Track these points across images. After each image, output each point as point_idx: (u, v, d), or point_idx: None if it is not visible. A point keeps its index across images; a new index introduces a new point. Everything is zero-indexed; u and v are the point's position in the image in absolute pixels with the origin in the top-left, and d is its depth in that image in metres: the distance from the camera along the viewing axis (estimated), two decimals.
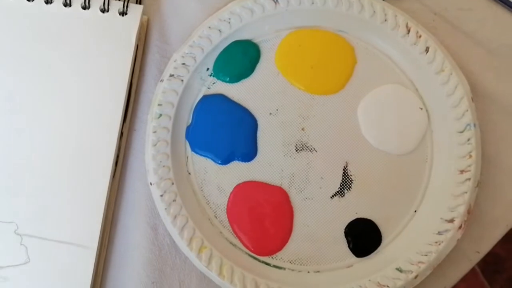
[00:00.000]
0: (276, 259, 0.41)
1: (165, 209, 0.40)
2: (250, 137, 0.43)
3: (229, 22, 0.43)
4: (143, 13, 0.43)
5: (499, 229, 0.42)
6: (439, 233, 0.40)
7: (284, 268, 0.41)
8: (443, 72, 0.42)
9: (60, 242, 0.39)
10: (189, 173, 0.42)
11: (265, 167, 0.42)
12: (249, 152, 0.42)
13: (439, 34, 0.45)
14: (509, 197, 0.43)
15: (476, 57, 0.45)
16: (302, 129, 0.43)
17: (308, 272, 0.41)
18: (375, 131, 0.43)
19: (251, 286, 0.39)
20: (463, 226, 0.40)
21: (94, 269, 0.39)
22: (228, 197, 0.42)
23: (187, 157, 0.42)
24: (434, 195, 0.42)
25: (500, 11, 0.46)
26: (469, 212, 0.40)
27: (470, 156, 0.41)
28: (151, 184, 0.40)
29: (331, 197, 0.42)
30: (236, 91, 0.43)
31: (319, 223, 0.42)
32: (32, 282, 0.38)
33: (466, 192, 0.40)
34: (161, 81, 0.42)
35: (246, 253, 0.41)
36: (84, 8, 0.42)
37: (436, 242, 0.40)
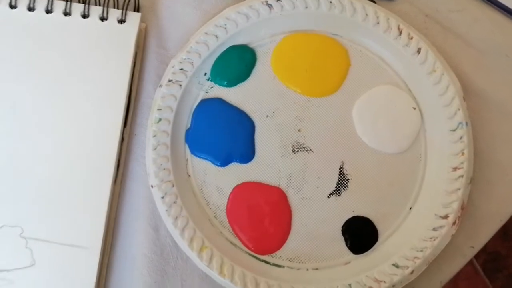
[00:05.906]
0: (275, 258, 0.42)
1: (166, 210, 0.41)
2: (248, 139, 0.44)
3: (225, 28, 0.44)
4: (141, 20, 0.44)
5: (493, 224, 0.43)
6: (434, 229, 0.41)
7: (283, 266, 0.42)
8: (434, 72, 0.43)
9: (64, 245, 0.40)
10: (189, 175, 0.43)
11: (263, 168, 0.43)
12: (247, 154, 0.43)
13: (431, 35, 0.46)
14: (502, 192, 0.44)
15: (468, 57, 0.46)
16: (299, 130, 0.44)
17: (307, 269, 0.42)
18: (370, 131, 0.44)
19: (251, 284, 0.40)
20: (457, 222, 0.41)
21: (97, 270, 0.40)
22: (227, 198, 0.43)
23: (187, 160, 0.43)
24: (428, 192, 0.43)
25: (490, 12, 0.47)
26: (462, 208, 0.41)
27: (463, 154, 0.42)
28: (152, 186, 0.41)
29: (328, 196, 0.43)
30: (234, 95, 0.44)
31: (316, 221, 0.42)
32: (38, 284, 0.39)
33: (459, 189, 0.41)
34: (160, 86, 0.43)
35: (246, 252, 0.42)
36: (83, 16, 0.43)
37: (431, 238, 0.41)
